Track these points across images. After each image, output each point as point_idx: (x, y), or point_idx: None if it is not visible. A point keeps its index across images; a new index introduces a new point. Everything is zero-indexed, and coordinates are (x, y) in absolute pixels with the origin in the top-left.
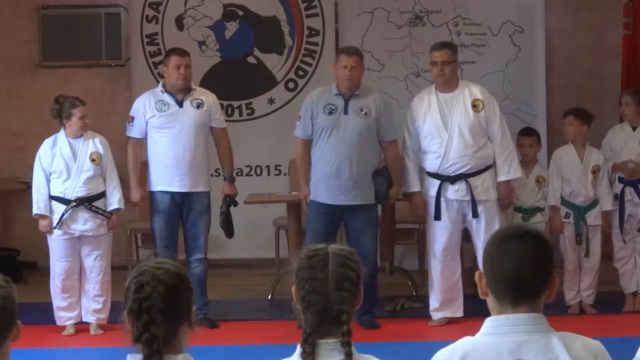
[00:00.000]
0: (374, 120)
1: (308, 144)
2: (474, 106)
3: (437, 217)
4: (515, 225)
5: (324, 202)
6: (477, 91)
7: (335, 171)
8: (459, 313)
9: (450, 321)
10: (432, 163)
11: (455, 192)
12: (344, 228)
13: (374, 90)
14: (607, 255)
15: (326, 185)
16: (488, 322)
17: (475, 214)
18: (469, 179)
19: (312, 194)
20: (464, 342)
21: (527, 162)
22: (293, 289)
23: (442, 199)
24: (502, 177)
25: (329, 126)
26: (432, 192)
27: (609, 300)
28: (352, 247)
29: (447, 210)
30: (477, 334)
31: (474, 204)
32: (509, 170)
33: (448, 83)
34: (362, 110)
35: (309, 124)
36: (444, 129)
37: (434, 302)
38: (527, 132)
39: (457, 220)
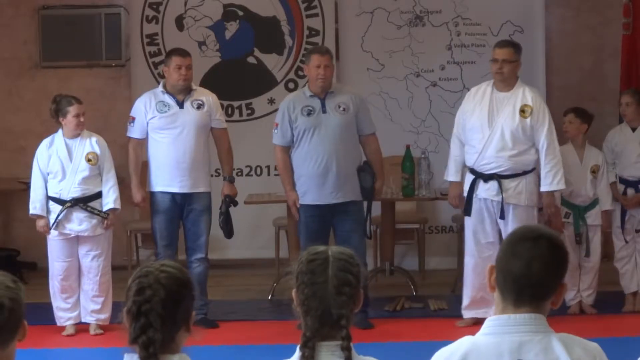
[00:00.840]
0: (353, 116)
1: (287, 150)
2: (522, 111)
3: (467, 212)
4: (533, 227)
5: (314, 204)
6: (529, 96)
7: (323, 170)
8: (490, 313)
9: (477, 321)
10: (471, 157)
11: (486, 190)
12: (332, 228)
13: (347, 88)
14: (607, 255)
15: (315, 185)
16: (489, 322)
17: (502, 216)
18: (502, 180)
19: (301, 199)
20: (465, 342)
21: None
22: (293, 292)
23: (474, 196)
24: (544, 187)
25: (310, 127)
26: (466, 186)
27: (609, 300)
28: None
29: (481, 207)
30: (478, 334)
31: (502, 205)
32: (552, 181)
33: (505, 82)
34: (340, 106)
35: (287, 130)
36: (488, 127)
37: (465, 299)
38: None
39: (489, 219)
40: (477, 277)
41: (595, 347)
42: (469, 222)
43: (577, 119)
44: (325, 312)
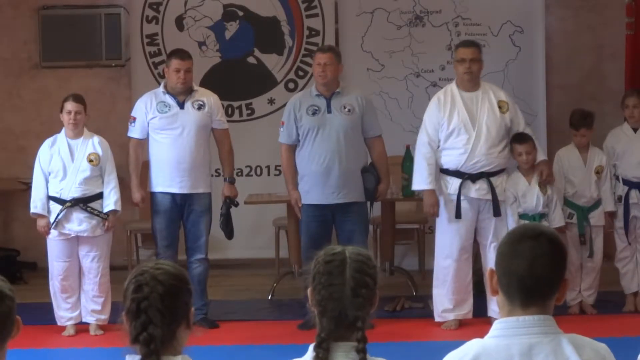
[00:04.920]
0: (359, 117)
1: (293, 149)
2: (500, 107)
3: (459, 215)
4: (531, 226)
5: (315, 204)
6: (501, 93)
7: (325, 170)
8: (469, 315)
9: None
10: (455, 159)
11: (476, 190)
12: (335, 229)
13: (355, 89)
14: (608, 255)
15: (317, 185)
16: (498, 324)
17: (498, 213)
18: (491, 178)
19: (303, 198)
20: (474, 345)
21: (527, 170)
22: (309, 291)
23: (462, 198)
24: (541, 157)
25: (314, 127)
26: (452, 190)
27: (609, 300)
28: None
29: (467, 208)
30: (487, 336)
31: (496, 202)
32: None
33: (473, 81)
34: (345, 107)
35: (292, 129)
36: (472, 126)
37: (445, 303)
38: (523, 139)
39: (474, 219)
40: (458, 280)
41: (604, 347)
42: (452, 225)
43: (589, 130)
44: (341, 314)
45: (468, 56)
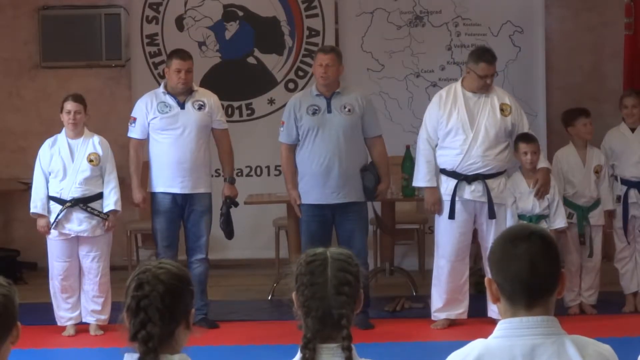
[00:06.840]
0: (359, 117)
1: (293, 148)
2: (502, 110)
3: (452, 215)
4: (519, 227)
5: (315, 204)
6: (505, 96)
7: (325, 170)
8: (464, 315)
9: (452, 322)
10: (451, 160)
11: (471, 192)
12: (335, 229)
13: (355, 89)
14: (608, 255)
15: (316, 185)
16: (501, 325)
17: (493, 215)
18: (487, 180)
19: (303, 197)
20: (477, 345)
21: (529, 170)
22: (293, 294)
23: (457, 199)
24: (542, 164)
25: (314, 126)
26: (447, 190)
27: (609, 300)
28: (344, 247)
29: (461, 210)
30: (490, 337)
31: (490, 204)
32: (545, 161)
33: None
34: (345, 107)
35: (292, 128)
36: (470, 127)
37: (437, 302)
38: (529, 139)
39: (470, 221)
40: (452, 281)
41: (608, 348)
42: (447, 226)
43: (588, 118)
44: (325, 313)
45: (489, 72)
